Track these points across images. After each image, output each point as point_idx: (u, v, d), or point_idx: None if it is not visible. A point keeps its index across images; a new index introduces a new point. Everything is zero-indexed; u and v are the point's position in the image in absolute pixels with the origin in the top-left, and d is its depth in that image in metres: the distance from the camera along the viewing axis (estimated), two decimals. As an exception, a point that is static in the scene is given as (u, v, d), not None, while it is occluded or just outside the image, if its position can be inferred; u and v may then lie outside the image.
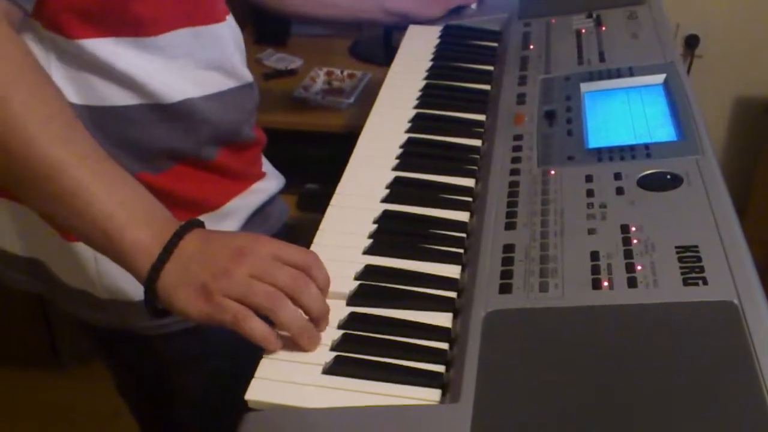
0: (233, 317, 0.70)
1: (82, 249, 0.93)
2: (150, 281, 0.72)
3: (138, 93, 0.89)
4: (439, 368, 0.71)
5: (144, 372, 1.11)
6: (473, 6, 1.45)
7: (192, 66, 0.92)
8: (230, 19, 0.99)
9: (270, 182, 1.10)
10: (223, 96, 0.97)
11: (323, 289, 0.75)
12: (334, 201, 0.94)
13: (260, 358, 0.73)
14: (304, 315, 0.73)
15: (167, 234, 0.73)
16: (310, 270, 0.74)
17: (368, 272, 0.82)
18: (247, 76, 1.01)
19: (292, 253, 0.75)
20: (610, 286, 0.73)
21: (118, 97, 0.88)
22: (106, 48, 0.85)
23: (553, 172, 0.91)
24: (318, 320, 0.74)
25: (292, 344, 0.73)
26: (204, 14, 0.92)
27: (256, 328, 0.71)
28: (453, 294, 0.80)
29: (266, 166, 1.13)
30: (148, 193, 0.77)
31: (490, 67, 1.25)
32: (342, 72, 1.99)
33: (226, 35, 0.96)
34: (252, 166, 1.07)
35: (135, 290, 0.94)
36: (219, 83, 0.96)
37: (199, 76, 0.93)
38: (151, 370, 1.09)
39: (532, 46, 1.23)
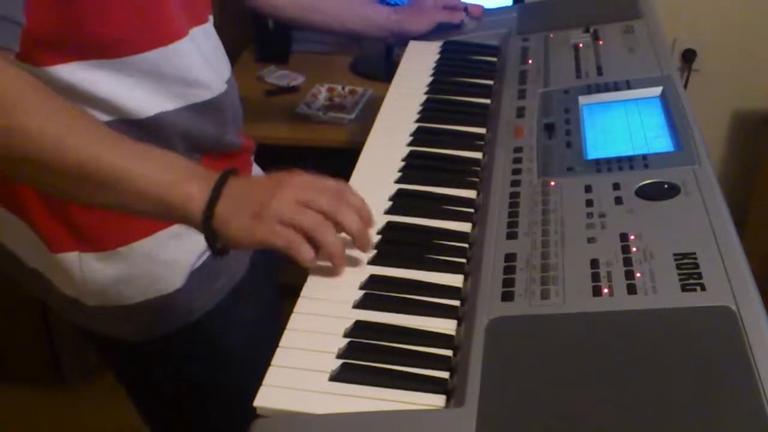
0: (287, 243, 0.79)
1: (67, 260, 0.95)
2: (206, 221, 0.79)
3: (110, 111, 0.91)
4: (444, 374, 0.73)
5: (145, 376, 1.13)
6: (465, 20, 1.46)
7: (160, 81, 0.94)
8: (198, 31, 0.99)
9: None
10: (197, 108, 0.98)
11: (360, 208, 0.85)
12: (338, 213, 0.96)
13: (263, 367, 0.74)
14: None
15: (212, 181, 0.80)
16: (343, 193, 0.84)
17: (373, 282, 0.84)
18: (220, 87, 1.02)
19: (326, 181, 0.84)
20: (610, 293, 0.75)
21: (91, 114, 0.90)
22: (72, 72, 0.88)
23: (553, 183, 0.93)
24: (358, 237, 0.84)
25: (301, 353, 0.75)
26: (162, 34, 0.93)
27: (303, 252, 0.79)
28: (456, 302, 0.81)
29: (256, 173, 1.15)
30: (179, 156, 0.83)
31: (490, 82, 1.27)
32: (343, 88, 2.01)
33: (189, 50, 0.96)
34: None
35: (119, 294, 0.97)
36: (191, 96, 0.98)
37: (169, 90, 0.95)
38: (148, 374, 1.11)
39: (530, 61, 1.25)
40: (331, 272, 0.84)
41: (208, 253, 0.93)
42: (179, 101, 0.96)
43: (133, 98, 0.92)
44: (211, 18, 1.03)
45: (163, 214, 0.82)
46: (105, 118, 0.91)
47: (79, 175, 0.77)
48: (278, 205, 0.79)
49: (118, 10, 0.88)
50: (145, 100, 0.93)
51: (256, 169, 1.15)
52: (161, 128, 0.95)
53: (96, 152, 0.77)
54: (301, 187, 0.81)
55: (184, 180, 0.80)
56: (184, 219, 0.81)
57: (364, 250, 0.86)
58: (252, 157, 1.14)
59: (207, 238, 0.81)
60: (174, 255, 0.98)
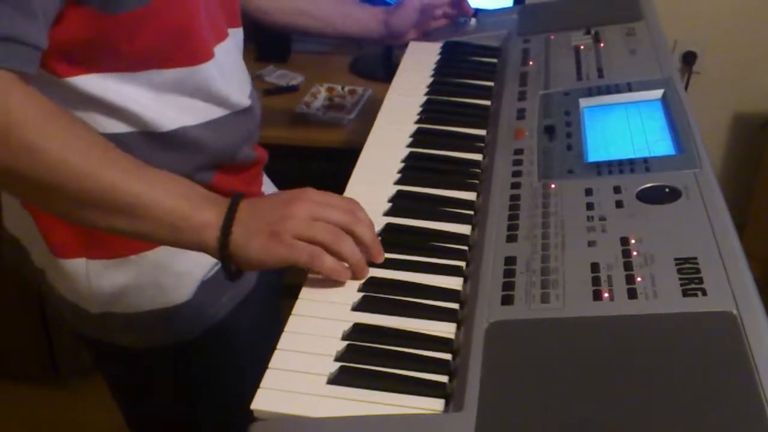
0: (309, 256, 0.79)
1: (74, 266, 0.94)
2: (222, 247, 0.80)
3: (131, 122, 0.90)
4: (443, 378, 0.72)
5: (135, 385, 1.12)
6: (472, 22, 1.46)
7: (182, 97, 0.93)
8: (220, 49, 0.97)
9: None
10: (218, 123, 0.97)
11: (368, 225, 0.85)
12: (337, 214, 0.95)
13: (261, 370, 0.73)
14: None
15: (224, 207, 0.81)
16: (353, 210, 0.84)
17: (372, 284, 0.83)
18: (243, 102, 1.01)
19: (335, 198, 0.85)
20: (611, 298, 0.74)
21: (112, 125, 0.89)
22: (94, 83, 0.87)
23: (553, 185, 0.92)
24: (372, 247, 0.84)
25: (299, 355, 0.74)
26: (187, 56, 0.92)
27: (327, 263, 0.80)
28: (456, 305, 0.81)
29: (266, 184, 1.14)
30: (192, 182, 0.83)
31: (490, 83, 1.27)
32: (343, 88, 2.00)
33: (213, 72, 0.95)
34: (250, 185, 1.08)
35: (125, 302, 0.96)
36: (212, 112, 0.97)
37: (191, 106, 0.94)
38: (141, 384, 1.10)
39: (531, 62, 1.25)
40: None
41: (218, 266, 0.93)
42: (200, 117, 0.95)
43: (154, 110, 0.91)
44: (231, 32, 1.01)
45: (175, 241, 0.81)
46: (125, 129, 0.90)
47: (94, 201, 0.77)
48: (293, 223, 0.80)
49: (152, 31, 0.86)
50: (166, 113, 0.92)
51: (267, 182, 1.14)
52: (181, 142, 0.94)
53: (111, 178, 0.77)
54: (313, 203, 0.82)
55: (198, 207, 0.80)
56: (199, 246, 0.81)
57: (378, 260, 0.85)
58: (263, 169, 1.13)
59: (223, 263, 0.81)
60: (185, 266, 0.97)
